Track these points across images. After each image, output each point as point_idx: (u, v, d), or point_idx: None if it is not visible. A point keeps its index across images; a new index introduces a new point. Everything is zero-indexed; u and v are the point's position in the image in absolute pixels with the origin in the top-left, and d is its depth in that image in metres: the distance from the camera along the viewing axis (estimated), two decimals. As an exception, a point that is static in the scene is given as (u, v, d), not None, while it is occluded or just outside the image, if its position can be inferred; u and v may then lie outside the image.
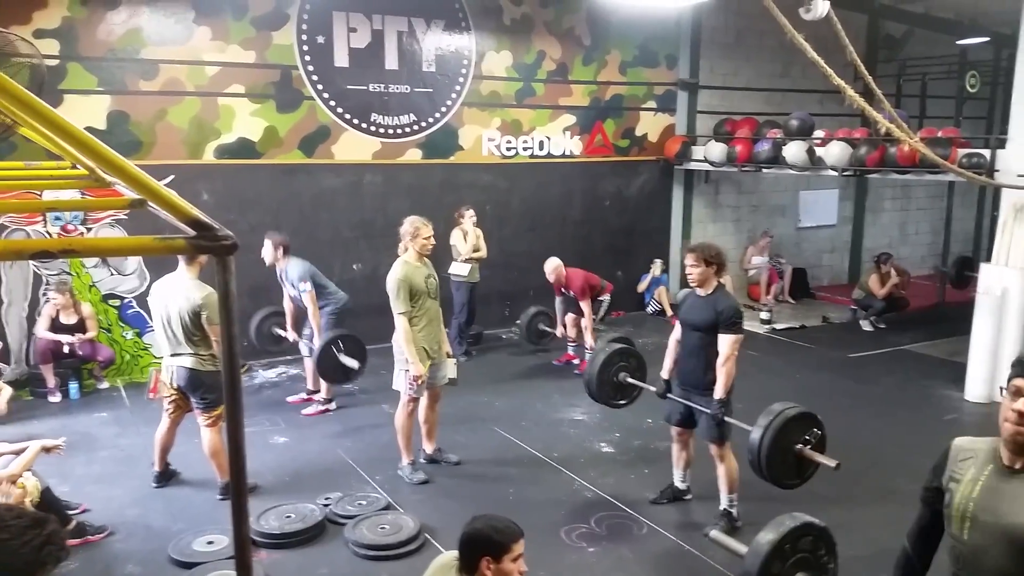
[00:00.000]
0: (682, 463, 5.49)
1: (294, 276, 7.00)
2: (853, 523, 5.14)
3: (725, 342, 4.87)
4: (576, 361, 8.71)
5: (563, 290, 8.56)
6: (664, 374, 5.35)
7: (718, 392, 4.89)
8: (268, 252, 7.04)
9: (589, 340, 8.26)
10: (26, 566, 1.74)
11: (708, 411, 4.94)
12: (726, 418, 4.95)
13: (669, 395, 5.28)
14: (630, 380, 5.85)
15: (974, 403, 7.69)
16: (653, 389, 5.47)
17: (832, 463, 4.46)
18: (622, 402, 6.00)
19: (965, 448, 2.39)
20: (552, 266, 8.47)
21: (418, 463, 6.02)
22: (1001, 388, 2.25)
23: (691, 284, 5.11)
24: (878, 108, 7.50)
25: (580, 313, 8.49)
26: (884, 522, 5.26)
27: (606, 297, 8.86)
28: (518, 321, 9.41)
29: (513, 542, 2.88)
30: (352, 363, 6.93)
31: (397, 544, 4.86)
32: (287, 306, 7.39)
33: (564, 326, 8.80)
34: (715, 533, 4.25)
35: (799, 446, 4.55)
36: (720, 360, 4.88)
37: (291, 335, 7.42)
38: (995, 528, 2.20)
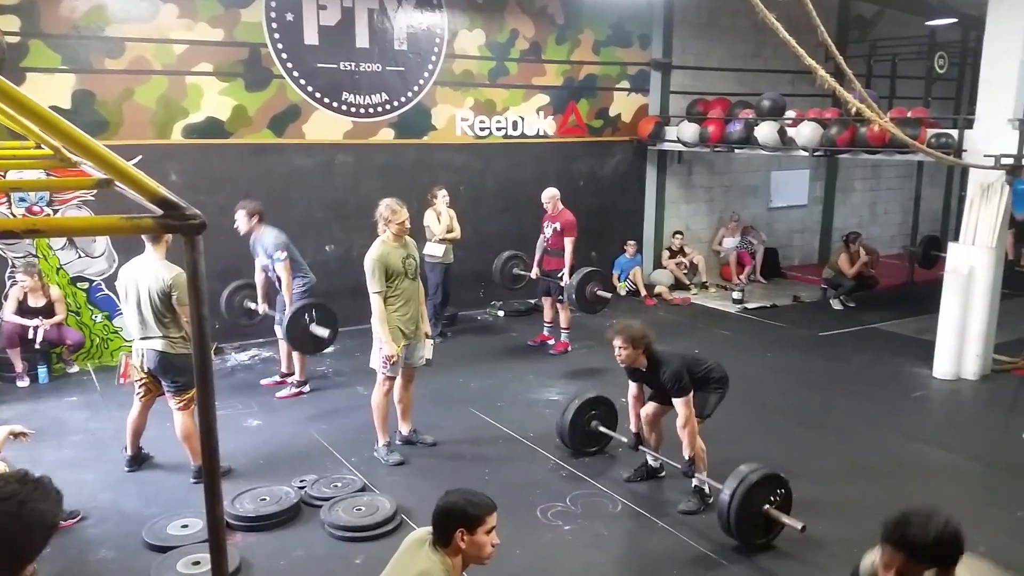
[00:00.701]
0: (653, 443, 5.55)
1: (269, 244, 6.90)
2: (823, 498, 5.22)
3: (678, 406, 5.00)
4: (551, 342, 8.73)
5: (547, 224, 8.49)
6: (632, 428, 5.50)
7: (687, 452, 5.06)
8: (242, 220, 6.93)
9: (567, 276, 8.28)
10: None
11: (680, 468, 5.18)
12: (696, 475, 5.13)
13: (641, 447, 5.50)
14: (602, 429, 5.95)
15: (942, 380, 7.81)
16: (625, 440, 5.65)
17: (798, 525, 4.52)
18: (593, 449, 6.04)
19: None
20: (550, 194, 8.45)
21: (394, 444, 6.02)
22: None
23: (621, 365, 5.19)
24: (849, 88, 7.55)
25: (557, 295, 8.51)
26: (854, 496, 5.36)
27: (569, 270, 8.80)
28: (492, 303, 9.41)
29: (487, 514, 2.95)
30: (323, 332, 6.86)
31: (373, 525, 4.86)
32: (258, 278, 7.30)
33: (539, 275, 8.71)
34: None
35: (767, 507, 4.62)
36: (679, 424, 5.02)
37: (262, 307, 7.31)
38: None
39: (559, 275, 8.38)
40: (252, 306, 7.46)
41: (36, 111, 1.37)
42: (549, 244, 8.52)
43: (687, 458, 5.07)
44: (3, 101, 1.30)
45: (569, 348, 8.62)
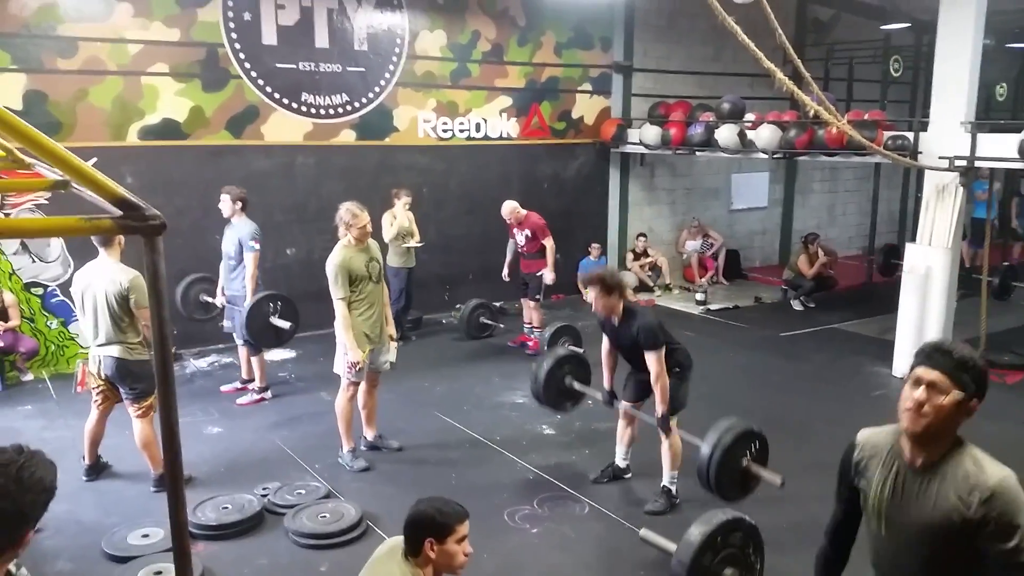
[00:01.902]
0: (626, 440, 5.55)
1: (246, 233, 6.83)
2: (784, 496, 5.25)
3: (650, 360, 4.94)
4: (530, 343, 8.74)
5: (516, 232, 8.52)
6: (606, 384, 5.45)
7: (659, 408, 5.01)
8: (226, 204, 6.90)
9: (550, 276, 8.37)
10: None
11: (653, 422, 5.09)
12: (673, 426, 5.09)
13: (615, 401, 5.42)
14: (576, 386, 5.90)
15: (902, 379, 7.88)
16: (599, 396, 5.57)
17: (777, 480, 4.54)
18: (568, 405, 6.02)
19: (869, 443, 2.40)
20: (509, 208, 8.44)
21: (359, 450, 5.95)
22: (904, 378, 2.26)
23: (598, 315, 5.10)
24: (807, 91, 7.64)
25: (534, 295, 8.59)
26: (814, 494, 5.37)
27: (542, 272, 8.81)
28: (457, 307, 9.37)
29: (457, 523, 2.90)
30: (284, 324, 6.78)
31: (338, 532, 4.79)
32: (222, 272, 7.17)
33: (509, 277, 8.80)
34: (645, 532, 4.34)
35: (746, 462, 4.63)
36: (652, 378, 4.97)
37: (220, 300, 7.19)
38: (908, 529, 2.26)
39: (539, 274, 8.46)
40: (209, 300, 7.35)
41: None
42: (524, 250, 8.56)
43: (659, 414, 4.99)
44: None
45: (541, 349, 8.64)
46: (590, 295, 5.01)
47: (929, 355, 2.19)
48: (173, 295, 7.31)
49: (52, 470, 1.86)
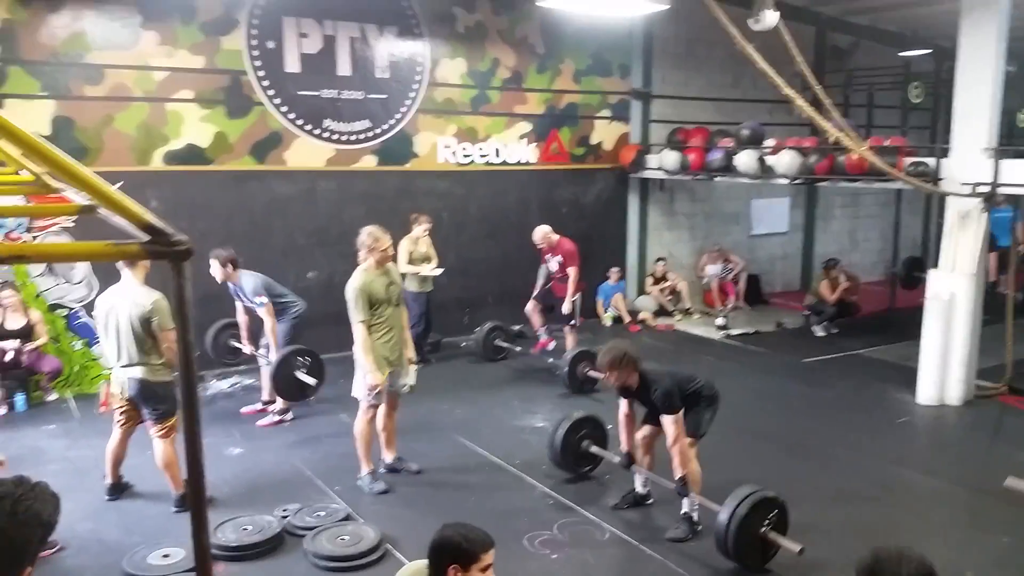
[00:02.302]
0: (645, 466, 5.51)
1: (248, 290, 6.89)
2: (807, 524, 5.20)
3: (667, 424, 5.00)
4: (550, 347, 8.83)
5: (548, 258, 8.64)
6: (623, 448, 5.46)
7: (677, 472, 5.03)
8: (217, 271, 6.87)
9: (567, 306, 8.56)
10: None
11: (672, 487, 5.13)
12: (692, 495, 5.09)
13: (633, 467, 5.45)
14: (594, 450, 5.93)
15: (925, 406, 7.84)
16: (616, 460, 5.59)
17: (796, 548, 4.51)
18: (586, 469, 6.04)
19: None
20: (541, 233, 8.55)
21: (378, 473, 5.95)
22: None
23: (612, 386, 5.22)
24: (827, 117, 7.66)
25: (568, 321, 8.72)
26: (838, 522, 5.34)
27: (577, 297, 8.83)
28: (475, 330, 9.40)
29: (483, 551, 2.84)
30: (310, 380, 6.84)
31: (358, 555, 4.78)
32: (241, 319, 7.27)
33: (537, 303, 8.96)
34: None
35: (764, 529, 4.61)
36: (668, 443, 5.02)
37: (248, 348, 7.29)
38: None
39: (573, 300, 8.66)
40: (238, 345, 7.44)
41: (21, 137, 1.36)
42: (558, 276, 8.71)
43: (677, 477, 5.04)
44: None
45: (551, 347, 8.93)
46: (609, 379, 5.13)
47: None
48: (200, 331, 7.41)
49: (52, 503, 1.79)
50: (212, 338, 7.55)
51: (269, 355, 6.95)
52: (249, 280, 6.91)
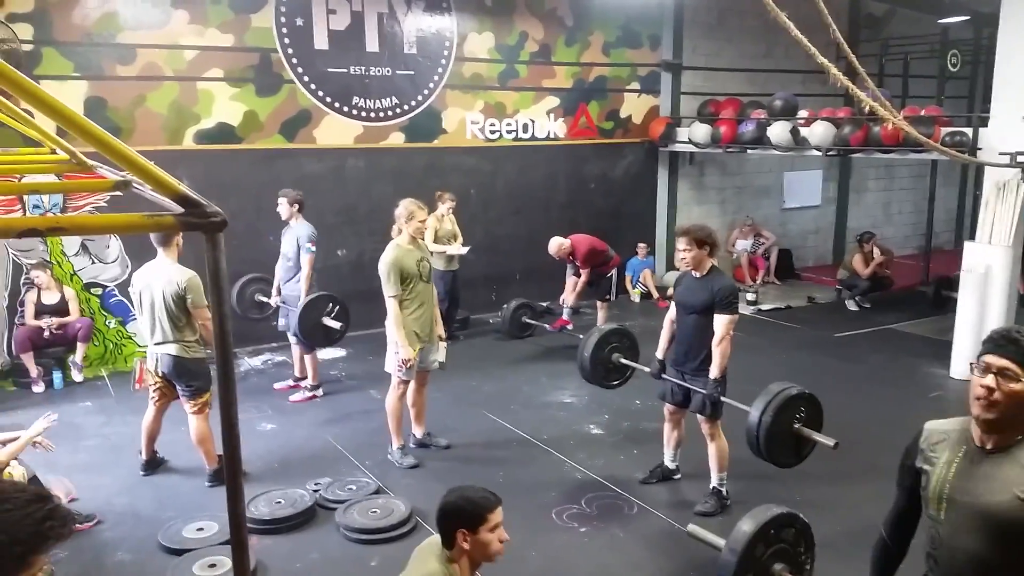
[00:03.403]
0: (673, 442, 5.50)
1: (303, 235, 7.01)
2: (839, 499, 5.19)
3: (720, 322, 4.85)
4: (570, 327, 8.78)
5: (571, 259, 8.62)
6: (659, 354, 5.32)
7: (714, 372, 4.89)
8: (284, 207, 7.10)
9: (570, 300, 8.65)
10: (28, 538, 1.73)
11: (704, 391, 4.94)
12: (722, 398, 4.95)
13: (664, 375, 5.27)
14: (623, 360, 5.84)
15: (959, 380, 7.72)
16: (647, 370, 5.46)
17: (830, 442, 4.47)
18: (615, 382, 6.00)
19: (937, 431, 2.38)
20: (555, 246, 8.50)
21: (408, 447, 6.01)
22: (971, 364, 2.22)
23: (683, 268, 5.03)
24: (861, 87, 7.51)
25: (603, 295, 8.76)
26: (869, 497, 5.26)
27: (612, 273, 8.83)
28: (502, 307, 9.40)
29: (488, 511, 2.79)
30: (335, 324, 6.95)
31: (388, 527, 4.85)
32: (278, 272, 7.31)
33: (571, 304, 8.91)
34: (692, 528, 4.29)
35: (797, 425, 4.56)
36: (715, 340, 4.87)
37: (275, 299, 7.34)
38: (971, 509, 2.21)
39: (608, 276, 8.71)
40: (264, 299, 7.52)
41: (62, 111, 1.37)
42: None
43: (713, 378, 4.88)
44: (31, 103, 1.29)
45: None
46: (680, 245, 4.92)
47: (998, 342, 2.17)
48: (229, 294, 7.48)
49: (32, 526, 1.73)
50: (238, 292, 7.62)
51: (298, 306, 6.97)
52: (307, 227, 7.07)
